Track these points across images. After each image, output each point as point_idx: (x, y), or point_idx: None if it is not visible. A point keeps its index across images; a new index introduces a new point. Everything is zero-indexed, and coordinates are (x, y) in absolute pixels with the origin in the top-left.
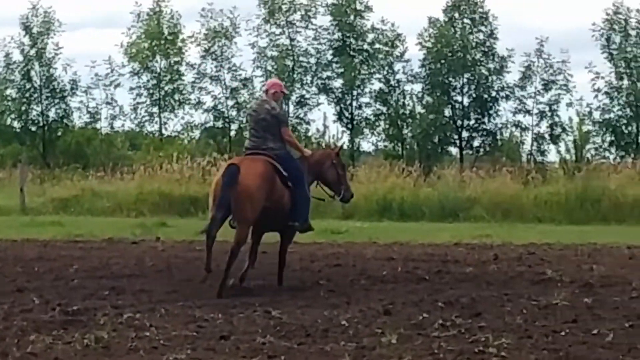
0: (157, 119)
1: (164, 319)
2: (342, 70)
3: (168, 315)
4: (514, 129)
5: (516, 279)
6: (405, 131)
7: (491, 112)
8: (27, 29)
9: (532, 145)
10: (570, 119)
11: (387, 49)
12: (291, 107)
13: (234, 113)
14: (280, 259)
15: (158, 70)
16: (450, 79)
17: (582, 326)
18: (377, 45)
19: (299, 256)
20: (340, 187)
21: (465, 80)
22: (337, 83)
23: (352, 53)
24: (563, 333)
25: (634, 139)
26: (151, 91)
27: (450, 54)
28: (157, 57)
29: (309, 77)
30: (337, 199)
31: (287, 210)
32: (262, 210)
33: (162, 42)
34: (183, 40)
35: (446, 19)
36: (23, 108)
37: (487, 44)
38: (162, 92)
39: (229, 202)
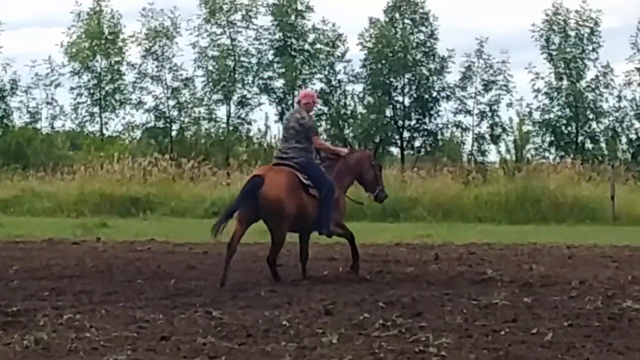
0: (97, 119)
1: (105, 320)
2: (283, 70)
3: (108, 316)
4: (454, 129)
5: (457, 279)
6: (346, 131)
7: (432, 112)
8: None
9: (472, 145)
10: (511, 119)
11: (328, 49)
12: (232, 108)
13: (175, 113)
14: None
15: (99, 70)
16: (391, 79)
17: (521, 325)
18: (318, 46)
19: (241, 256)
20: (376, 187)
21: (406, 80)
22: (279, 83)
23: (293, 53)
24: (503, 332)
25: (574, 139)
26: (92, 91)
27: (391, 54)
28: (98, 57)
29: (250, 77)
30: (372, 197)
31: (314, 218)
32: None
33: (103, 41)
34: (124, 40)
35: (387, 20)
36: None
37: (428, 44)
38: (103, 92)
39: (246, 209)
